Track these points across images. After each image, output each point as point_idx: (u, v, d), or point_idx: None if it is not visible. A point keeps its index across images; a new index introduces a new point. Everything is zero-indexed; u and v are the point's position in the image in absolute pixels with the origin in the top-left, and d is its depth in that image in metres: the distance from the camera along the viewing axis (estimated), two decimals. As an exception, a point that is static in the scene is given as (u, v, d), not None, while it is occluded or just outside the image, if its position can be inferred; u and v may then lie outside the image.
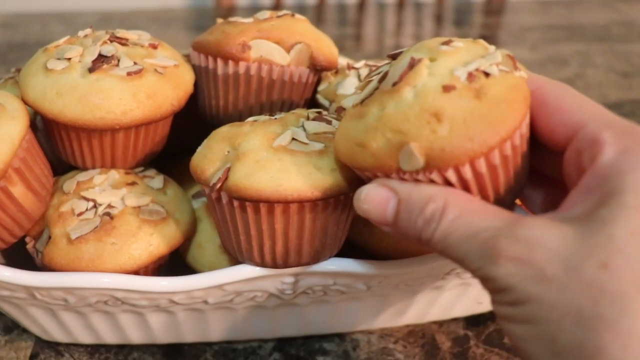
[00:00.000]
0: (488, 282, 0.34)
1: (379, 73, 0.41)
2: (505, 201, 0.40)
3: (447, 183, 0.38)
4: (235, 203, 0.45)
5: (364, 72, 0.57)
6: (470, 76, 0.37)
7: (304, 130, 0.47)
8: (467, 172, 0.37)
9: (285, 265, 0.47)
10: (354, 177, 0.44)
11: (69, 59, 0.51)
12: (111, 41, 0.53)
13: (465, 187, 0.38)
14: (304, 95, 0.58)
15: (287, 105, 0.57)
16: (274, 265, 0.47)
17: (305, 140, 0.45)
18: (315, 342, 0.58)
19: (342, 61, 0.62)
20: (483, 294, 0.56)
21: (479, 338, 0.59)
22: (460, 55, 0.38)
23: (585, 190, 0.34)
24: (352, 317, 0.56)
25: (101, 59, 0.51)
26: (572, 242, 0.32)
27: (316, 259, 0.48)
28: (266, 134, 0.46)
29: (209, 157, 0.47)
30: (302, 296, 0.51)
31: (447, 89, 0.36)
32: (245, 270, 0.48)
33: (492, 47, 0.40)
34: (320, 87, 0.58)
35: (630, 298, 0.30)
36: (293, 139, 0.45)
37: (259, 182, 0.43)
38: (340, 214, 0.47)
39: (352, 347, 0.58)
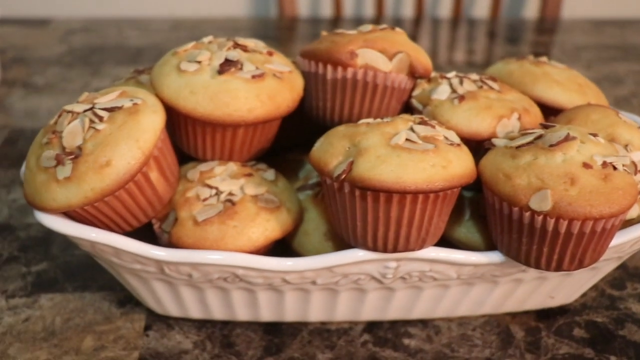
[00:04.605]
0: None
1: (533, 134, 0.55)
2: (582, 263, 0.53)
3: (555, 231, 0.50)
4: (357, 192, 0.51)
5: (455, 81, 0.63)
6: (604, 164, 0.51)
7: (414, 132, 0.53)
8: (576, 227, 0.50)
9: (395, 250, 0.53)
10: (462, 175, 0.51)
11: (200, 62, 0.58)
12: (234, 47, 0.60)
13: (568, 239, 0.50)
14: (402, 99, 0.64)
15: (387, 108, 0.63)
16: (384, 250, 0.53)
17: (419, 141, 0.52)
18: (401, 327, 0.63)
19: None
20: (556, 288, 0.62)
21: (550, 329, 0.64)
22: (601, 148, 0.52)
23: None
24: (436, 304, 0.62)
25: (228, 63, 0.58)
26: None
27: (421, 245, 0.53)
28: (383, 134, 0.52)
29: (331, 152, 0.53)
30: (399, 281, 0.57)
31: (586, 166, 0.51)
32: (355, 254, 0.53)
33: (623, 151, 0.54)
34: (415, 93, 0.64)
35: None
36: (407, 139, 0.52)
37: (381, 174, 0.49)
38: (445, 206, 0.53)
39: (435, 332, 0.63)
